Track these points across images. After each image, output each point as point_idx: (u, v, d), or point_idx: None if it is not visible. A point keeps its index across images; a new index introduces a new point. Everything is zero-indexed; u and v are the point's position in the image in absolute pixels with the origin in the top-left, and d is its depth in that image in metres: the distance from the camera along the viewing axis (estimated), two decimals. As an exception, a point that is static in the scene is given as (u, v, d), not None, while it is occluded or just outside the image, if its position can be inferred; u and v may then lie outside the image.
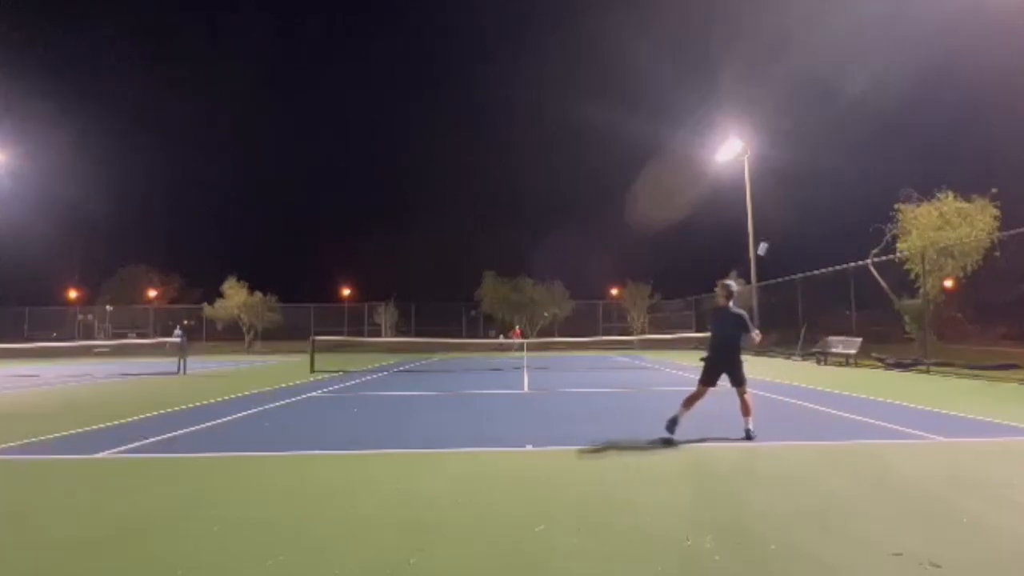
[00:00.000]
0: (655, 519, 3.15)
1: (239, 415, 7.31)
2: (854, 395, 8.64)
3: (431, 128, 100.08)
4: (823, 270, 18.11)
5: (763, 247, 22.10)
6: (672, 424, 5.23)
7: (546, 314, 34.91)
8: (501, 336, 29.87)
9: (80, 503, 3.63)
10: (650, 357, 21.82)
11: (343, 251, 79.44)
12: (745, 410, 5.36)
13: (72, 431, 6.20)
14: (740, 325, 5.47)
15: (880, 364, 14.56)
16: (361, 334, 33.89)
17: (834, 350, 16.01)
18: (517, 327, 31.91)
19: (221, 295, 34.60)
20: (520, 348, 26.91)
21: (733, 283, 5.78)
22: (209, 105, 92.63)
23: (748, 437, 5.23)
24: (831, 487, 3.74)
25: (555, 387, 10.29)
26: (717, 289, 5.77)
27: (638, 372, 14.21)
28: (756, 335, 5.54)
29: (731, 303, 5.59)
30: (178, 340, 15.81)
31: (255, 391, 10.24)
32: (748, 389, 5.44)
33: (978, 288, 16.47)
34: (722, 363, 5.45)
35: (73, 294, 46.36)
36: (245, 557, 2.69)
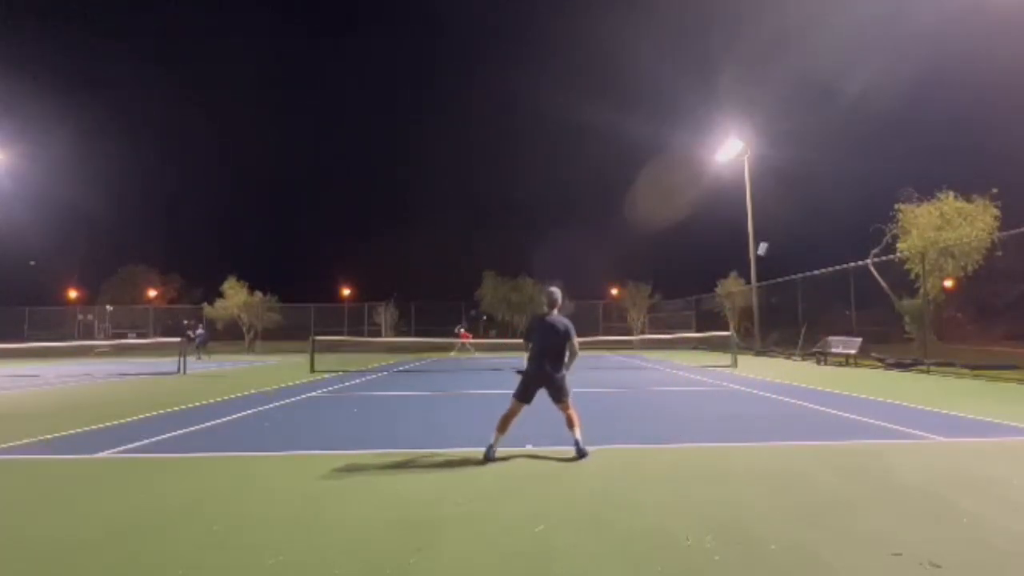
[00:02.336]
0: (655, 519, 3.15)
1: (239, 415, 7.31)
2: (854, 395, 8.64)
3: (431, 128, 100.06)
4: (823, 270, 18.12)
5: (763, 247, 22.12)
6: (489, 451, 4.63)
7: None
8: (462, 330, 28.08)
9: (80, 503, 3.63)
10: (650, 357, 21.82)
11: (343, 251, 79.41)
12: (571, 423, 4.79)
13: (72, 431, 6.20)
14: (565, 336, 4.82)
15: (880, 364, 14.56)
16: (361, 334, 33.90)
17: (834, 350, 16.01)
18: (461, 328, 28.66)
19: (221, 295, 34.59)
20: (464, 349, 26.11)
21: (557, 290, 5.09)
22: (209, 105, 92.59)
23: (579, 454, 4.61)
24: (831, 487, 3.74)
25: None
26: (543, 296, 5.14)
27: (638, 372, 14.21)
28: (568, 367, 4.88)
29: (555, 311, 4.98)
30: (196, 338, 15.99)
31: (255, 391, 10.24)
32: (570, 403, 4.86)
33: (978, 288, 16.48)
34: (541, 376, 4.81)
35: (73, 294, 46.39)
36: (245, 557, 2.69)
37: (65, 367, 18.96)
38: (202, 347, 22.43)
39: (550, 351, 4.85)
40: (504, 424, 4.82)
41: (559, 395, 4.86)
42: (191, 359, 20.75)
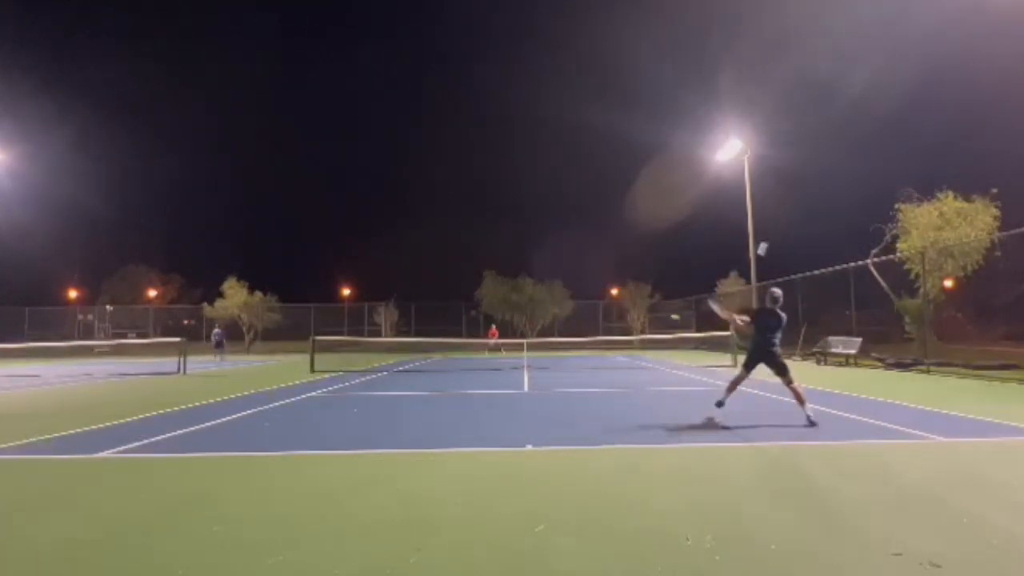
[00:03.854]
0: (655, 519, 3.15)
1: (239, 415, 7.31)
2: (854, 395, 8.64)
3: (431, 128, 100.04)
4: (823, 270, 18.12)
5: (763, 247, 22.10)
6: (719, 403, 6.51)
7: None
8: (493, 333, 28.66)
9: (80, 503, 3.63)
10: (650, 357, 21.82)
11: (343, 251, 79.50)
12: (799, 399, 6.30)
13: (72, 431, 6.20)
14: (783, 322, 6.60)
15: (880, 364, 14.56)
16: (361, 334, 33.91)
17: (834, 350, 16.02)
18: (493, 326, 29.79)
19: (221, 295, 34.59)
20: (496, 349, 26.41)
21: (779, 291, 6.60)
22: (209, 105, 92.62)
23: (810, 423, 5.98)
24: (831, 487, 3.74)
25: (555, 387, 10.29)
26: (767, 296, 6.68)
27: (638, 372, 14.21)
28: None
29: (776, 307, 6.55)
30: (216, 339, 16.24)
31: (255, 391, 10.24)
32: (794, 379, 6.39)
33: (978, 288, 16.47)
34: (764, 351, 6.61)
35: (73, 294, 46.39)
36: (245, 557, 2.69)
37: (65, 367, 18.96)
38: (220, 348, 22.69)
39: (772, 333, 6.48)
40: (733, 386, 6.78)
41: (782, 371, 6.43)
42: (211, 359, 20.95)
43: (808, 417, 6.02)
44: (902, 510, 3.26)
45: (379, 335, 33.65)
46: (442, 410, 7.79)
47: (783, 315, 6.48)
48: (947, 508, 3.28)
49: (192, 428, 6.34)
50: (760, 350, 6.55)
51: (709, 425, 6.30)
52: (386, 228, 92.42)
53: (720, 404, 6.62)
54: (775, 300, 6.53)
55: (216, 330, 16.90)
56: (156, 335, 32.56)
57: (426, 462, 4.65)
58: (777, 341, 6.51)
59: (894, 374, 12.74)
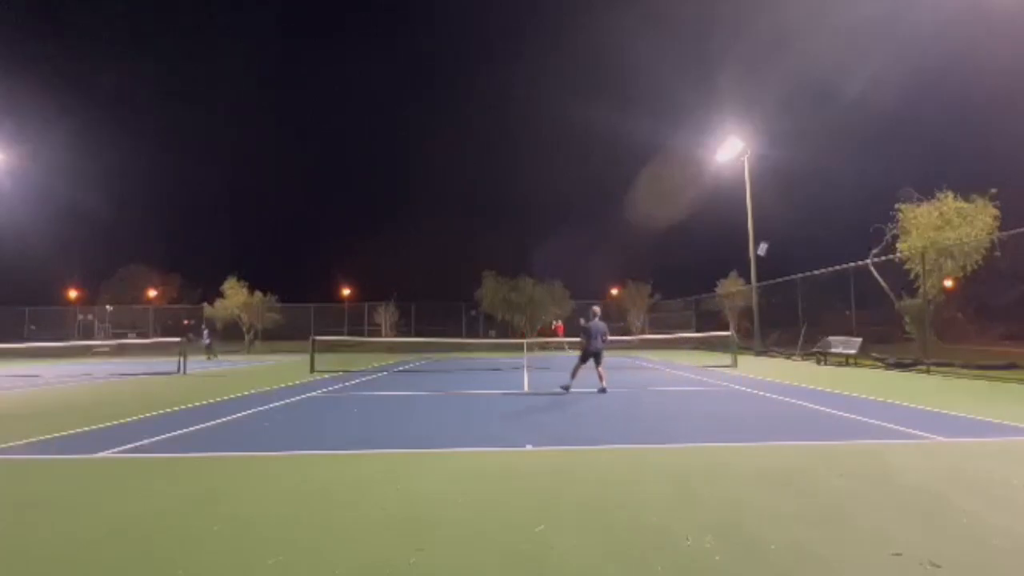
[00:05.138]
0: (655, 519, 3.15)
1: (239, 415, 7.31)
2: (854, 395, 8.64)
3: (431, 128, 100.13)
4: (823, 270, 18.11)
5: (763, 247, 22.11)
6: (565, 389, 8.98)
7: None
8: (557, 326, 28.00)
9: (80, 503, 3.63)
10: (650, 357, 21.82)
11: (343, 251, 79.54)
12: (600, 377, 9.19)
13: (72, 431, 6.20)
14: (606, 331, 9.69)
15: (880, 364, 14.56)
16: (361, 334, 33.89)
17: (834, 350, 16.01)
18: (558, 322, 28.82)
19: (221, 295, 34.57)
20: (561, 348, 26.35)
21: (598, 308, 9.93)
22: (209, 105, 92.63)
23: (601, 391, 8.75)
24: (831, 487, 3.74)
25: (555, 387, 10.28)
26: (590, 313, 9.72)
27: (638, 372, 14.20)
28: None
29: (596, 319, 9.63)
30: (205, 339, 16.29)
31: (255, 391, 10.24)
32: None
33: (978, 288, 16.47)
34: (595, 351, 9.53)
35: (73, 294, 46.39)
36: (245, 557, 2.69)
37: (65, 367, 18.96)
38: (209, 348, 22.70)
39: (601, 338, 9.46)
40: (574, 374, 9.40)
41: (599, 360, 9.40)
42: (204, 359, 20.89)
43: (602, 388, 9.10)
44: (902, 510, 3.26)
45: (379, 335, 33.63)
46: (442, 410, 7.79)
47: (603, 324, 9.55)
48: (947, 508, 3.28)
49: (192, 428, 6.34)
50: (592, 350, 9.34)
51: (709, 425, 6.30)
52: (386, 228, 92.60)
53: (566, 389, 9.12)
54: (595, 315, 9.54)
55: (204, 329, 16.76)
56: (156, 335, 32.54)
57: (426, 462, 4.65)
58: (602, 343, 9.40)
59: (894, 374, 12.75)
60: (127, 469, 4.60)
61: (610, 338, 9.64)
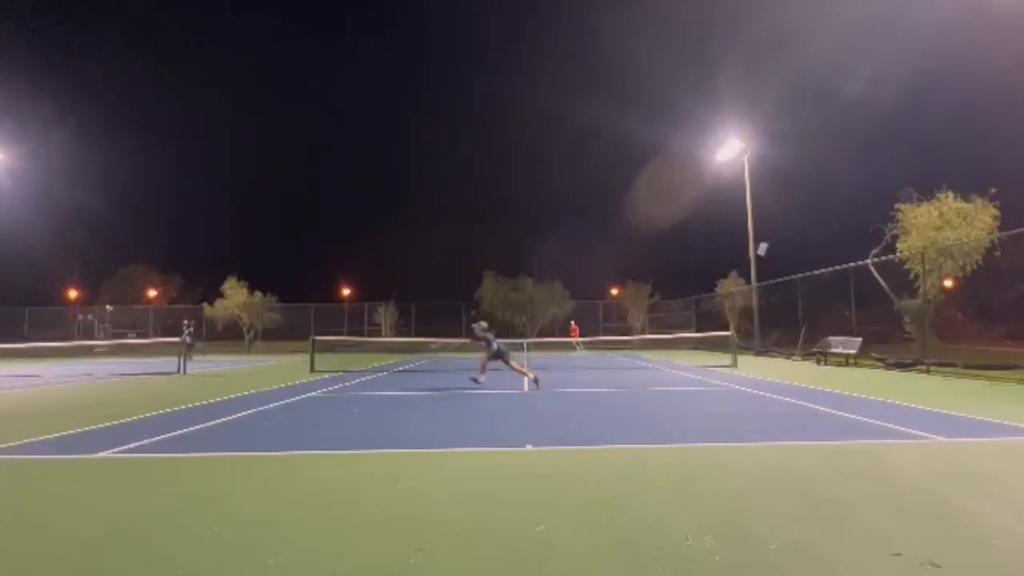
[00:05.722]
0: (655, 519, 3.15)
1: (239, 415, 7.31)
2: (854, 395, 8.64)
3: (431, 128, 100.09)
4: (823, 270, 18.11)
5: (763, 247, 22.12)
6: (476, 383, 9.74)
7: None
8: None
9: (80, 503, 3.63)
10: (650, 357, 21.82)
11: (343, 251, 79.54)
12: (520, 373, 10.67)
13: (72, 431, 6.19)
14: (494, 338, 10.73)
15: (880, 364, 14.56)
16: (361, 334, 33.91)
17: (834, 350, 16.01)
18: (574, 324, 28.44)
19: (221, 295, 34.58)
20: (577, 348, 26.21)
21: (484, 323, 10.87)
22: (209, 105, 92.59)
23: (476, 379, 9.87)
24: (831, 487, 3.74)
25: (555, 387, 10.28)
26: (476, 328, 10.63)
27: (638, 372, 14.20)
28: None
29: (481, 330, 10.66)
30: (187, 339, 16.08)
31: (255, 391, 10.24)
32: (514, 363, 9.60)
33: (978, 288, 16.48)
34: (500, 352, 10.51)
35: (73, 294, 46.38)
36: (245, 557, 2.69)
37: (65, 367, 18.95)
38: (191, 348, 22.38)
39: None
40: (483, 368, 10.40)
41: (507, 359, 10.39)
42: (173, 360, 20.60)
43: (535, 380, 10.09)
44: (902, 510, 3.26)
45: (379, 335, 33.65)
46: (442, 410, 7.78)
47: (492, 336, 10.54)
48: (947, 508, 3.28)
49: (192, 428, 6.34)
50: (497, 352, 10.35)
51: (709, 425, 6.30)
52: (386, 228, 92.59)
53: (476, 380, 10.15)
54: (484, 328, 10.57)
55: (186, 328, 16.32)
56: (156, 335, 32.54)
57: (426, 462, 4.65)
58: (498, 345, 10.44)
59: (894, 374, 12.74)
60: (127, 469, 4.60)
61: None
